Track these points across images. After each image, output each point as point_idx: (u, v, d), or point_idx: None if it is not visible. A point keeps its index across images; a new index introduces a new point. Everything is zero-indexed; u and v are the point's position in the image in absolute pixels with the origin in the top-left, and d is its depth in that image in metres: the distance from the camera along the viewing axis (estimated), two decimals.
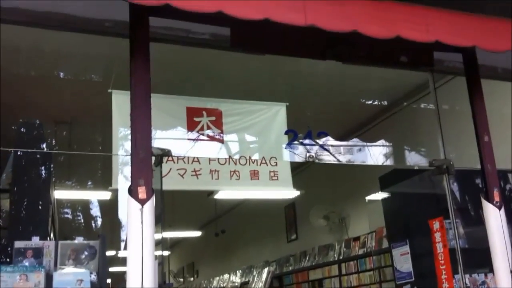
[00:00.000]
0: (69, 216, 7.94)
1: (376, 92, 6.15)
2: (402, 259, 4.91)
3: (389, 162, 5.45)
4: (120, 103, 4.34)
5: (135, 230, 2.48)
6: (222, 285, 12.91)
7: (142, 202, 2.54)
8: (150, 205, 2.57)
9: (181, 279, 17.64)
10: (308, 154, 4.63)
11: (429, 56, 3.70)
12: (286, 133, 4.75)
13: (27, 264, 3.13)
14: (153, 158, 2.92)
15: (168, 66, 5.28)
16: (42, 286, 3.02)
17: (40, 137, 4.33)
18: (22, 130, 4.29)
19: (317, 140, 4.73)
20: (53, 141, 6.62)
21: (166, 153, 3.14)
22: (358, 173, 6.99)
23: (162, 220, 3.02)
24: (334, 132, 5.28)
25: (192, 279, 16.64)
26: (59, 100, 6.27)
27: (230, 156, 5.10)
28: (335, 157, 4.81)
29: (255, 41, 3.53)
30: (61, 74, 5.94)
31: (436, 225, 4.41)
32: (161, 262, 3.12)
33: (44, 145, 4.33)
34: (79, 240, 3.36)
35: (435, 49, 3.66)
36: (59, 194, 6.95)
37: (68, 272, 3.15)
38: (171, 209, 11.06)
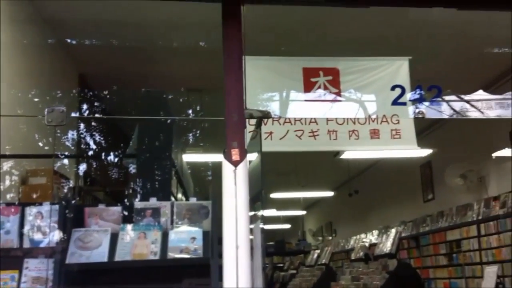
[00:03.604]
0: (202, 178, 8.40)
1: (506, 41, 5.61)
2: None
3: None
4: (253, 68, 4.42)
5: (229, 191, 2.57)
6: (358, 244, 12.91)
7: (236, 164, 2.61)
8: (243, 167, 2.63)
9: (320, 238, 17.93)
10: (417, 110, 4.38)
11: None
12: (392, 88, 4.51)
13: (145, 223, 3.38)
14: (251, 121, 2.97)
15: (283, 29, 5.29)
16: (159, 243, 3.27)
17: (162, 105, 4.60)
18: (145, 99, 4.58)
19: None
20: (184, 109, 6.98)
21: (266, 114, 3.16)
22: (496, 130, 6.52)
23: (262, 179, 3.07)
24: (460, 87, 4.95)
25: (330, 238, 16.84)
26: (190, 69, 6.60)
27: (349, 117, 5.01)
28: (457, 112, 4.51)
29: None
30: (188, 44, 6.21)
31: None
32: (262, 221, 3.19)
33: (165, 113, 4.58)
34: (192, 200, 3.54)
35: None
36: (189, 157, 7.43)
37: (182, 231, 3.35)
38: (303, 170, 11.26)
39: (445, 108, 4.76)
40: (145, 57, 6.12)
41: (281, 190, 12.84)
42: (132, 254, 3.21)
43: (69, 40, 5.66)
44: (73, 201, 4.74)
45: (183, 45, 5.86)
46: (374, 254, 9.83)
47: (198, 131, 6.93)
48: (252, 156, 3.25)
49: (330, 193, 14.22)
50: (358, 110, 4.96)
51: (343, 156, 7.39)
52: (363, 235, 13.32)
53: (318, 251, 13.87)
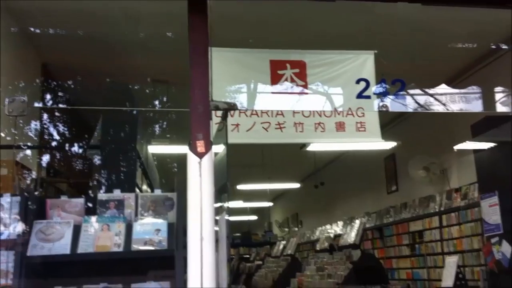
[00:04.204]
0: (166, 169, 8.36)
1: (470, 38, 5.75)
2: (491, 211, 4.64)
3: (476, 109, 5.11)
4: (220, 59, 4.39)
5: (194, 183, 2.57)
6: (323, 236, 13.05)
7: (201, 156, 2.61)
8: (208, 158, 2.63)
9: (286, 229, 18.07)
10: (381, 104, 4.45)
11: None
12: (357, 82, 4.56)
13: (109, 215, 3.35)
14: (218, 113, 2.96)
15: (250, 21, 5.28)
16: (123, 235, 3.24)
17: (127, 96, 4.55)
18: (110, 90, 4.52)
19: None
20: (150, 100, 6.91)
21: (232, 106, 3.16)
22: (458, 123, 6.66)
23: (228, 171, 3.08)
24: (424, 81, 5.04)
25: (296, 229, 16.99)
26: (156, 61, 6.53)
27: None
28: (420, 105, 4.59)
29: None
30: (154, 35, 6.14)
31: None
32: (228, 213, 3.20)
33: (130, 105, 4.53)
34: (157, 192, 3.51)
35: None
36: (155, 149, 7.37)
37: (147, 222, 3.33)
38: (270, 161, 11.30)
39: (409, 102, 4.85)
40: (110, 47, 6.03)
41: (248, 182, 12.88)
42: (95, 246, 3.18)
43: (32, 29, 5.54)
44: (35, 193, 4.66)
45: (149, 36, 5.79)
46: (338, 245, 9.96)
47: (165, 123, 6.88)
48: (218, 148, 3.25)
49: (296, 185, 14.33)
50: (324, 103, 5.00)
51: (310, 148, 7.45)
52: (328, 226, 13.48)
53: (284, 242, 13.96)
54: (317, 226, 14.54)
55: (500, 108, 5.64)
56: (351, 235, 9.14)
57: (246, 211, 18.74)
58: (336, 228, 12.73)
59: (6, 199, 3.24)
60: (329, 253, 9.88)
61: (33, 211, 3.25)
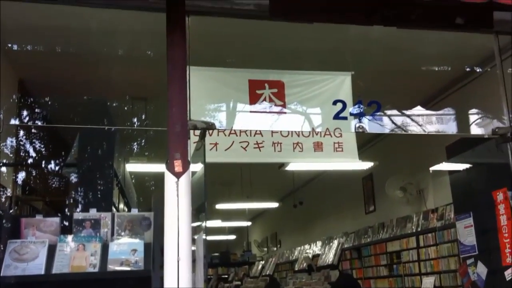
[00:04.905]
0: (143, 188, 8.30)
1: (445, 59, 5.86)
2: (466, 232, 4.69)
3: (451, 131, 5.19)
4: (198, 78, 4.39)
5: (172, 202, 2.56)
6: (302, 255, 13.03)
7: (178, 175, 2.61)
8: (185, 178, 2.63)
9: (265, 248, 18.00)
10: (358, 125, 4.50)
11: (489, 16, 3.45)
12: (334, 103, 4.61)
13: (84, 234, 3.31)
14: (196, 132, 2.96)
15: (228, 40, 5.30)
16: (99, 255, 3.20)
17: (105, 113, 4.52)
18: (87, 107, 4.50)
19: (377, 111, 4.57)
20: (128, 117, 6.88)
21: (210, 126, 3.17)
22: (434, 144, 6.75)
23: (205, 191, 3.08)
24: (400, 102, 5.10)
25: (275, 248, 16.93)
26: (135, 78, 6.52)
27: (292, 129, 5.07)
28: (398, 126, 4.65)
29: (296, 9, 3.44)
30: (133, 52, 6.14)
31: (500, 196, 4.14)
32: (205, 232, 3.19)
33: (107, 122, 4.51)
34: (134, 211, 3.49)
35: (495, 9, 3.40)
36: (132, 167, 7.32)
37: (123, 242, 3.30)
38: (248, 181, 11.30)
39: (386, 123, 4.91)
40: (88, 64, 6.00)
41: (226, 201, 12.83)
42: (71, 266, 3.14)
43: (9, 45, 5.50)
44: (10, 211, 4.59)
45: (128, 52, 5.78)
46: (317, 265, 9.95)
47: (143, 140, 6.85)
48: (196, 167, 3.24)
49: (275, 204, 14.31)
50: (302, 123, 5.03)
51: (288, 168, 7.46)
52: (307, 246, 13.46)
53: (262, 262, 13.92)
54: (296, 246, 14.50)
55: (475, 130, 5.74)
56: (330, 255, 9.15)
57: (224, 231, 18.65)
58: (314, 248, 12.73)
59: None
60: (308, 274, 9.86)
61: (7, 230, 3.20)
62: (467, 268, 5.11)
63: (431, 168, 6.53)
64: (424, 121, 4.97)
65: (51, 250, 3.18)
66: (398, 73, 6.01)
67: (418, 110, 5.28)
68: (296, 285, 8.72)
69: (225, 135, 5.15)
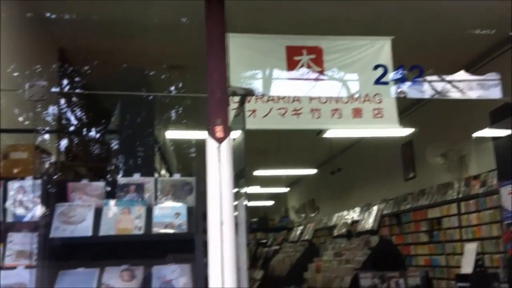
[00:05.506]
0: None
1: (487, 25, 5.66)
2: (510, 199, 4.59)
3: (495, 96, 5.03)
4: (236, 45, 4.38)
5: (213, 168, 2.59)
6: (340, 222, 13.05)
7: (220, 141, 2.63)
8: (227, 143, 2.65)
9: (303, 215, 18.10)
10: (399, 90, 4.42)
11: None
12: (375, 68, 4.52)
13: (129, 198, 3.39)
14: (235, 99, 2.97)
15: (266, 7, 5.26)
16: (143, 218, 3.28)
17: (144, 81, 4.56)
18: (126, 75, 4.54)
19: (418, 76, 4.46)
20: (166, 85, 6.94)
21: (249, 92, 3.17)
22: (477, 110, 6.59)
23: (245, 156, 3.09)
24: (441, 68, 4.98)
25: (313, 214, 17.01)
26: (172, 46, 6.54)
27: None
28: (438, 92, 4.55)
29: None
30: (170, 20, 6.14)
31: None
32: (246, 198, 3.22)
33: (146, 90, 4.54)
34: (176, 176, 3.54)
35: None
36: (172, 134, 7.41)
37: (166, 206, 3.36)
38: (286, 147, 11.31)
39: (426, 88, 4.80)
40: (126, 33, 6.06)
41: (265, 168, 12.91)
42: (117, 229, 3.23)
43: (48, 15, 5.57)
44: (55, 176, 4.72)
45: (165, 21, 5.81)
46: (356, 230, 9.95)
47: (181, 108, 6.91)
48: (236, 134, 3.26)
49: (313, 171, 14.31)
50: (341, 89, 4.97)
51: (326, 135, 7.44)
52: (345, 212, 13.48)
53: (301, 227, 13.99)
54: (334, 212, 14.55)
55: None
56: (369, 221, 9.13)
57: (262, 197, 18.80)
58: (353, 214, 12.73)
59: (28, 182, 3.30)
60: (347, 239, 9.88)
61: (54, 194, 3.30)
62: (510, 234, 5.04)
63: (474, 135, 6.39)
64: (466, 87, 4.85)
65: (97, 214, 3.26)
66: (440, 38, 5.86)
67: (460, 75, 5.15)
68: (335, 250, 8.75)
69: (263, 102, 5.13)
